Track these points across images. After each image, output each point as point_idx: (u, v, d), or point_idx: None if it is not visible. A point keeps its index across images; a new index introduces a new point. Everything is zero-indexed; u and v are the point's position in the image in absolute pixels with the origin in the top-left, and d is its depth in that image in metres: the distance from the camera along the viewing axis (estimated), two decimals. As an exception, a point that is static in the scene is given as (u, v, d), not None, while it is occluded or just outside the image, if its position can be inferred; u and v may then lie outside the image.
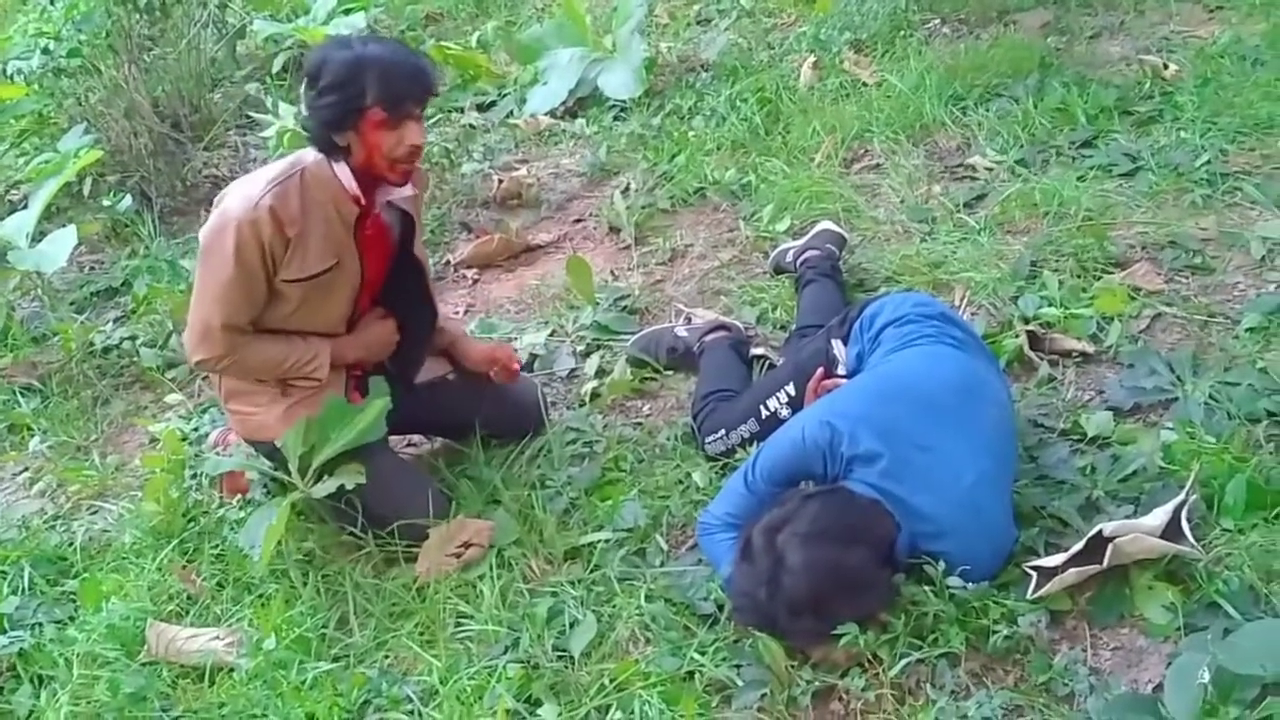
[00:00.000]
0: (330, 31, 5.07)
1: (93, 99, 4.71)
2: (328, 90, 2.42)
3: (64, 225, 3.91)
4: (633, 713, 2.19)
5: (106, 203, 4.37)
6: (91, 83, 4.72)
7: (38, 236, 3.86)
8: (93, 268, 4.48)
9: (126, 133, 4.64)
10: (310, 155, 2.55)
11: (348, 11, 5.24)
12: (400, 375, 2.88)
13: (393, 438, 2.95)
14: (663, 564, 2.54)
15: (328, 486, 2.58)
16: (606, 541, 2.62)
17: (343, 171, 2.52)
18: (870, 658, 2.15)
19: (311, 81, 2.46)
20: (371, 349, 2.81)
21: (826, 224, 3.49)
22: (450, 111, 5.06)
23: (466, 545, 2.64)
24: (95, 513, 3.14)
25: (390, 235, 2.72)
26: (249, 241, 2.46)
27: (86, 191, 4.53)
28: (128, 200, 4.34)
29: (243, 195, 2.50)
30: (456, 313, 3.73)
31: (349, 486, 2.58)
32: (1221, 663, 1.84)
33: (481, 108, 5.14)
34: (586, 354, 3.35)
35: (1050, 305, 3.03)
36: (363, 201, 2.56)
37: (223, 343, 2.56)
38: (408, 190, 2.63)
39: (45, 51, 4.62)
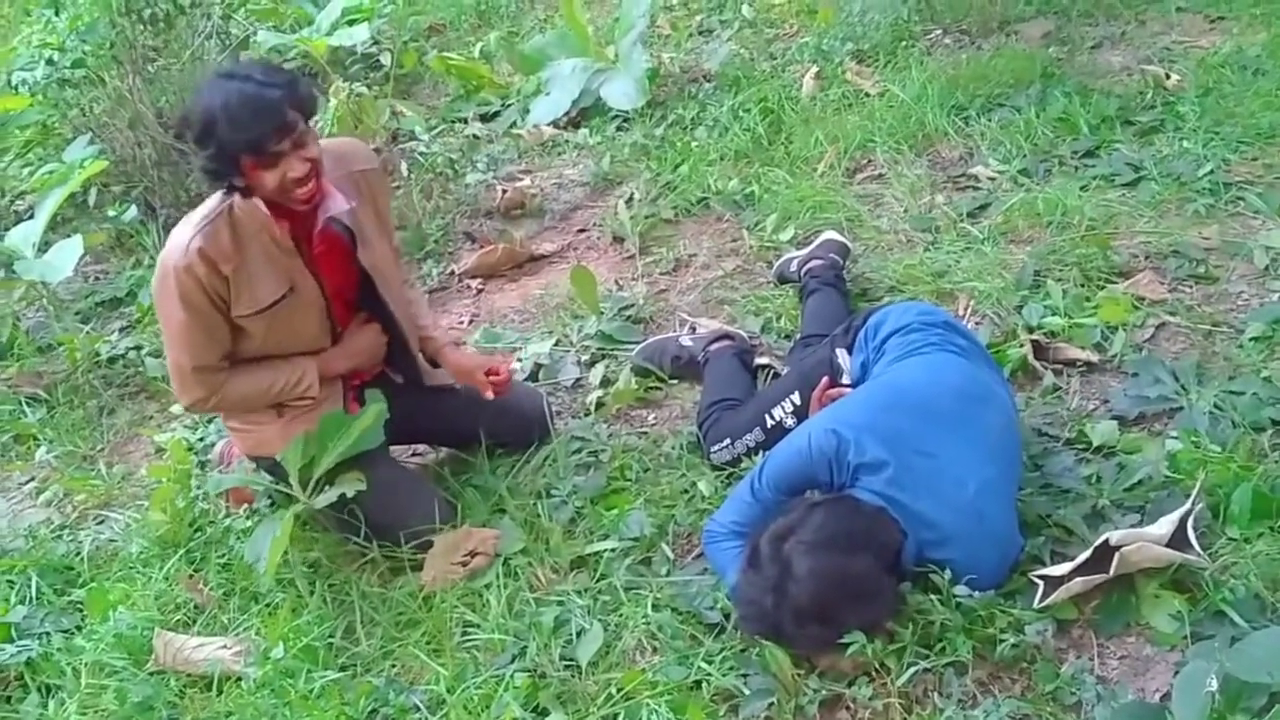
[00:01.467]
0: (333, 43, 5.10)
1: (97, 110, 4.72)
2: (197, 146, 2.39)
3: (69, 235, 3.92)
4: (640, 722, 2.19)
5: (111, 213, 4.38)
6: (96, 93, 4.72)
7: (43, 247, 3.87)
8: (98, 278, 4.49)
9: (131, 143, 4.65)
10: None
11: (351, 23, 5.26)
12: (406, 377, 2.88)
13: (398, 447, 2.97)
14: (669, 573, 2.54)
15: (328, 496, 2.59)
16: (612, 550, 2.62)
17: (262, 206, 2.47)
18: (877, 666, 2.16)
19: (186, 135, 2.44)
20: (360, 357, 2.80)
21: (830, 233, 3.50)
22: (454, 122, 5.09)
23: (472, 554, 2.64)
24: (102, 522, 3.15)
25: (345, 246, 2.66)
26: (190, 286, 2.45)
27: (91, 202, 4.54)
28: (132, 210, 4.35)
29: (174, 241, 2.48)
30: (461, 323, 3.74)
31: (349, 495, 2.59)
32: (1229, 671, 1.84)
33: (485, 118, 5.17)
34: (591, 363, 3.36)
35: (1054, 315, 3.04)
36: (286, 228, 2.51)
37: (200, 385, 2.57)
38: (343, 205, 2.55)
39: (50, 62, 4.62)
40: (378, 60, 5.50)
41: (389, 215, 2.88)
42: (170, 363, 2.60)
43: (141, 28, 4.72)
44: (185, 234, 2.46)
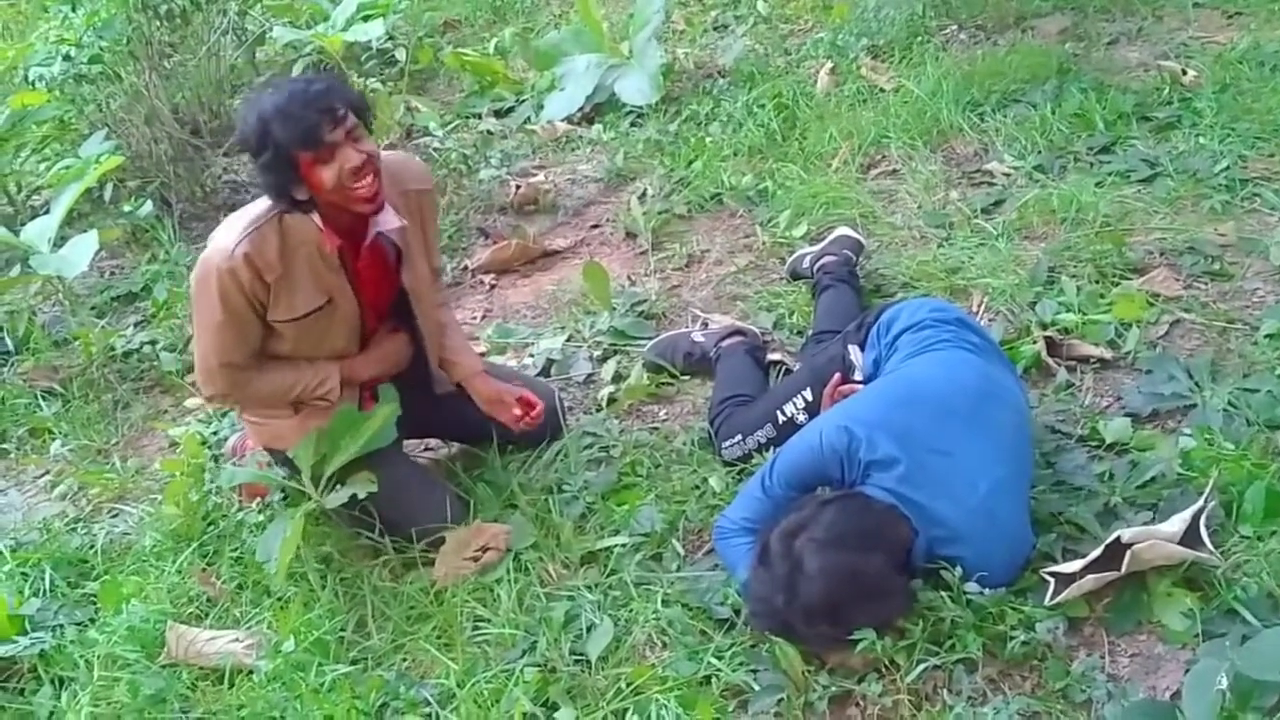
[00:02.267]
0: (348, 38, 5.11)
1: (113, 105, 4.74)
2: (256, 155, 2.41)
3: (85, 231, 3.93)
4: (649, 717, 2.19)
5: (127, 208, 4.40)
6: (112, 89, 4.74)
7: (59, 242, 3.88)
8: (113, 273, 4.51)
9: (147, 139, 4.67)
10: None
11: (367, 18, 5.27)
12: (420, 384, 2.89)
13: (410, 442, 2.97)
14: (679, 569, 2.54)
15: (340, 497, 2.60)
16: (623, 546, 2.62)
17: (316, 220, 2.49)
18: (887, 663, 2.15)
19: (245, 153, 2.45)
20: (386, 364, 2.81)
21: (844, 229, 3.49)
22: (468, 117, 5.09)
23: (484, 549, 2.65)
24: (116, 516, 3.16)
25: (389, 262, 2.68)
26: (230, 288, 2.45)
27: (107, 197, 4.55)
28: (148, 206, 4.36)
29: (221, 240, 2.48)
30: (474, 318, 3.74)
31: (360, 496, 2.59)
32: (1240, 669, 1.83)
33: (499, 114, 5.17)
34: (603, 359, 3.36)
35: (1068, 311, 3.03)
36: (337, 245, 2.53)
37: (224, 381, 2.58)
38: (394, 222, 2.56)
39: (66, 58, 4.63)
40: (393, 56, 5.51)
41: (435, 238, 2.90)
42: (198, 355, 2.61)
43: (158, 23, 4.74)
44: (232, 236, 2.46)
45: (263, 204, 2.51)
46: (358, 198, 2.44)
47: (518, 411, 2.83)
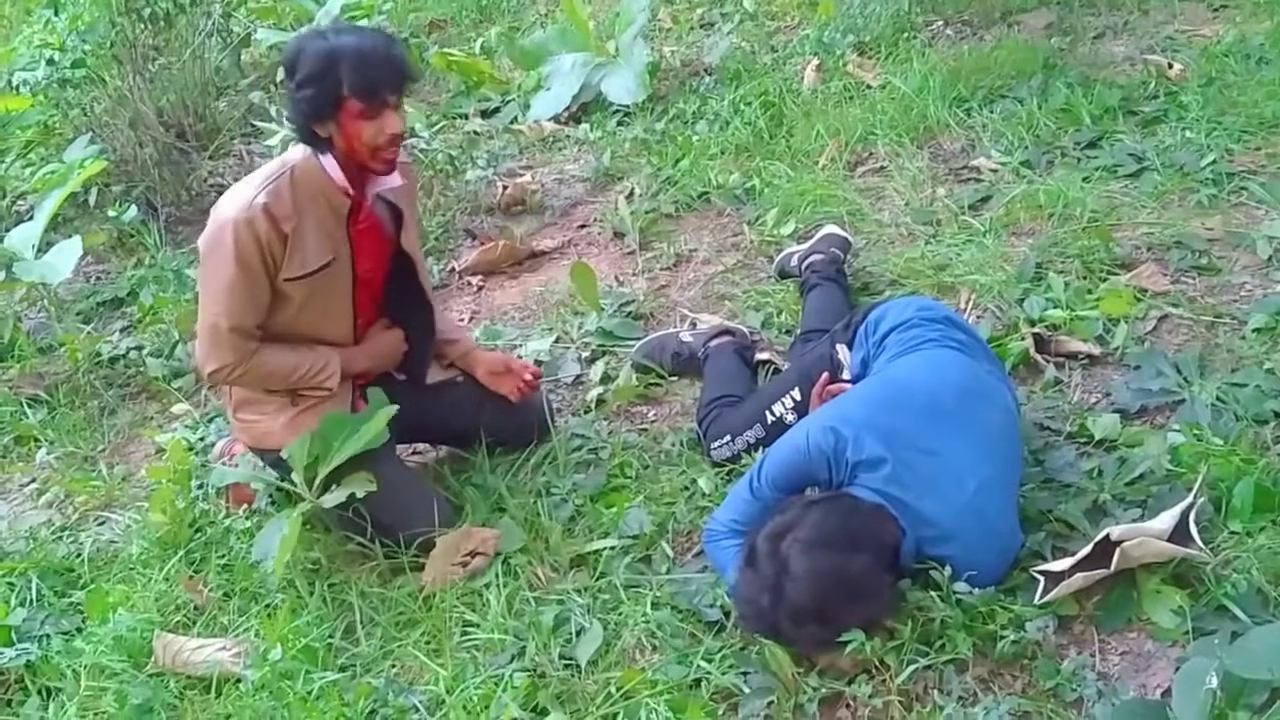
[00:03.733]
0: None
1: (98, 109, 4.72)
2: (304, 83, 2.42)
3: (70, 236, 3.91)
4: (639, 721, 2.18)
5: (112, 213, 4.37)
6: (96, 93, 4.72)
7: (44, 247, 3.86)
8: (99, 278, 4.49)
9: (131, 143, 4.65)
10: (298, 153, 2.57)
11: (351, 20, 5.24)
12: (410, 377, 2.89)
13: (398, 446, 2.96)
14: (669, 571, 2.53)
15: (337, 496, 2.59)
16: (612, 549, 2.61)
17: (330, 164, 2.54)
18: (877, 664, 2.15)
19: (289, 74, 2.46)
20: (380, 359, 2.83)
21: (831, 228, 3.49)
22: (454, 118, 5.07)
23: (473, 554, 2.64)
24: (102, 523, 3.14)
25: (383, 228, 2.72)
26: (247, 241, 2.47)
27: (92, 202, 4.53)
28: (133, 210, 4.34)
29: (236, 196, 2.52)
30: (461, 320, 3.73)
31: (359, 495, 2.58)
32: (1229, 667, 1.83)
33: (485, 114, 5.15)
34: (591, 360, 3.35)
35: (1056, 307, 3.03)
36: (351, 193, 2.57)
37: (232, 348, 2.57)
38: (396, 181, 2.62)
39: (50, 63, 4.61)
40: (379, 57, 5.48)
41: (417, 211, 2.95)
42: (204, 325, 2.59)
43: (142, 26, 4.72)
44: (249, 191, 2.51)
45: (270, 165, 2.57)
46: (382, 159, 2.50)
47: (528, 377, 2.90)
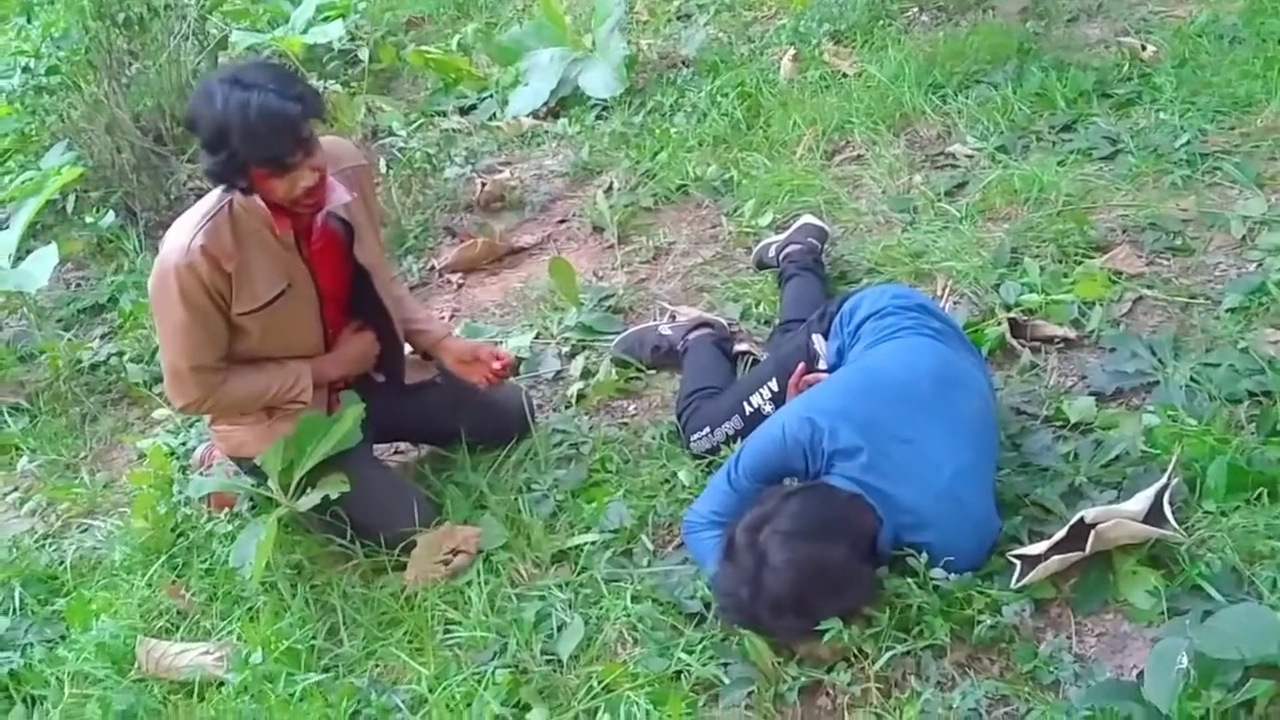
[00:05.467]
0: (308, 40, 5.08)
1: (74, 115, 4.70)
2: (207, 149, 2.37)
3: (49, 243, 3.91)
4: (621, 715, 2.19)
5: (90, 219, 4.37)
6: (72, 99, 4.71)
7: (23, 255, 3.86)
8: (79, 284, 4.48)
9: (109, 148, 4.62)
10: None
11: (326, 19, 5.24)
12: (388, 378, 2.88)
13: (379, 446, 2.96)
14: (649, 564, 2.54)
15: (312, 499, 2.59)
16: (593, 543, 2.62)
17: (261, 202, 2.47)
18: (856, 652, 2.16)
19: (193, 133, 2.42)
20: (352, 363, 2.81)
21: (808, 218, 3.49)
22: (432, 116, 5.06)
23: (454, 552, 2.64)
24: (85, 530, 3.15)
25: (341, 242, 2.67)
26: (191, 284, 2.44)
27: (70, 208, 4.52)
28: (111, 216, 4.34)
29: (175, 239, 2.47)
30: (442, 317, 3.72)
31: (334, 496, 2.58)
32: (1199, 648, 1.84)
33: (463, 111, 5.13)
34: (571, 355, 3.35)
35: (1032, 292, 3.03)
36: (288, 226, 2.52)
37: (196, 385, 2.56)
38: (345, 198, 2.55)
39: (25, 70, 4.62)
40: (355, 56, 5.48)
41: (377, 212, 2.88)
42: (166, 365, 2.59)
43: (116, 31, 4.70)
44: (186, 233, 2.46)
45: (210, 199, 2.50)
46: (304, 205, 2.46)
47: (496, 365, 2.86)
